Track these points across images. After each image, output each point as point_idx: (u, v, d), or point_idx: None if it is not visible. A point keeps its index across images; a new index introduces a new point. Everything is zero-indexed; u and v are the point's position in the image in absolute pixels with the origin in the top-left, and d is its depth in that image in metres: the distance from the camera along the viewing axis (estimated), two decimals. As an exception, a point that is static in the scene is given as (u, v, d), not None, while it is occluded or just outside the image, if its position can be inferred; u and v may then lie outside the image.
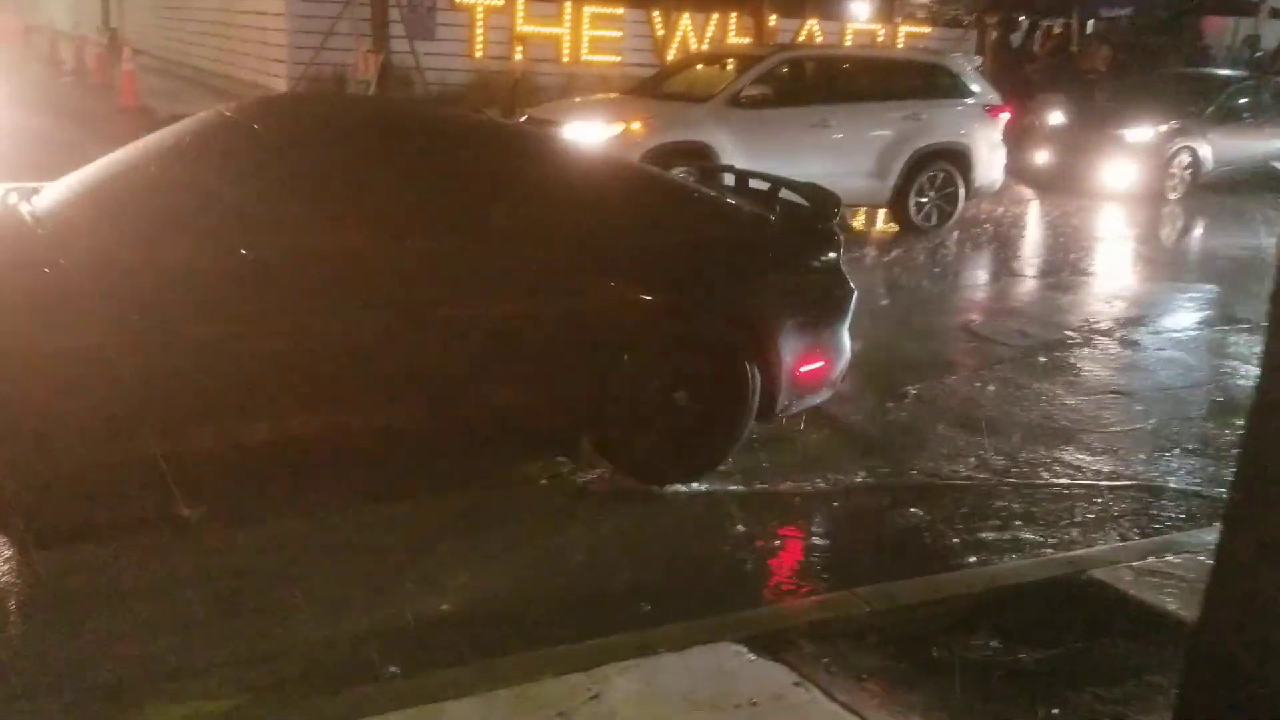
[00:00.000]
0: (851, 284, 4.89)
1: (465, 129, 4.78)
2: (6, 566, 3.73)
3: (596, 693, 2.95)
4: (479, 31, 17.48)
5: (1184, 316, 8.50)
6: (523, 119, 10.40)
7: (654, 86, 11.61)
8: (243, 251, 3.66)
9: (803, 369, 4.67)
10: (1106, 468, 5.19)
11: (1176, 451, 5.45)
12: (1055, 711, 3.06)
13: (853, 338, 4.99)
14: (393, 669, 3.21)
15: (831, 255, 4.86)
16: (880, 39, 20.82)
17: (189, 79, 18.96)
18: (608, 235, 4.36)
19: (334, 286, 3.83)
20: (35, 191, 4.37)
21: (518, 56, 17.59)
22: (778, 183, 5.03)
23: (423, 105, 11.44)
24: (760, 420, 4.65)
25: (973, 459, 5.18)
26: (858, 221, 11.80)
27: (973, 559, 4.19)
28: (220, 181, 3.92)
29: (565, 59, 18.10)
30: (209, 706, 3.04)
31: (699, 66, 12.69)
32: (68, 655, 3.21)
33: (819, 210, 4.91)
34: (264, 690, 3.11)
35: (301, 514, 4.18)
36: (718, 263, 4.55)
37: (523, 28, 17.76)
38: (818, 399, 4.91)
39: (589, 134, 9.53)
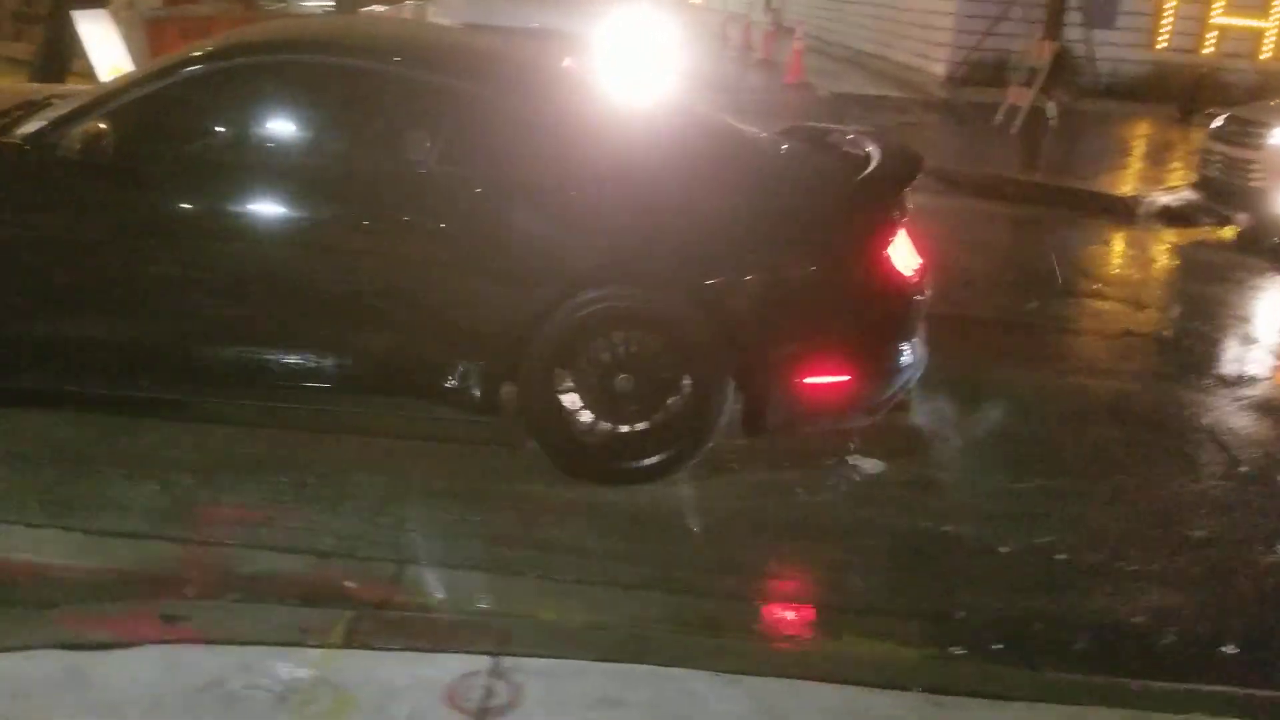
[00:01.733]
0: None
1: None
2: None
3: None
4: (1166, 20, 15.64)
5: None
6: (1216, 118, 8.89)
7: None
8: None
9: (808, 380, 3.74)
10: None
11: None
12: None
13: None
14: None
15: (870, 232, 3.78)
16: None
17: (846, 59, 19.34)
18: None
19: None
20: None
21: (1207, 50, 15.47)
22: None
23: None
24: (748, 433, 3.88)
25: None
26: None
27: None
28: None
29: (1264, 55, 15.58)
30: (904, 652, 3.19)
31: None
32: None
33: (888, 169, 3.93)
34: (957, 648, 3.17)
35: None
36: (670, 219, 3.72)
37: (1219, 18, 15.57)
38: (838, 422, 3.99)
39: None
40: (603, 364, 3.73)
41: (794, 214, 3.81)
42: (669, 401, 3.78)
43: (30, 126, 3.92)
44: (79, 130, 3.66)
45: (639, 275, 3.71)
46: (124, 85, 3.99)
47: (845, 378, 3.78)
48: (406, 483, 3.85)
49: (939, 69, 16.12)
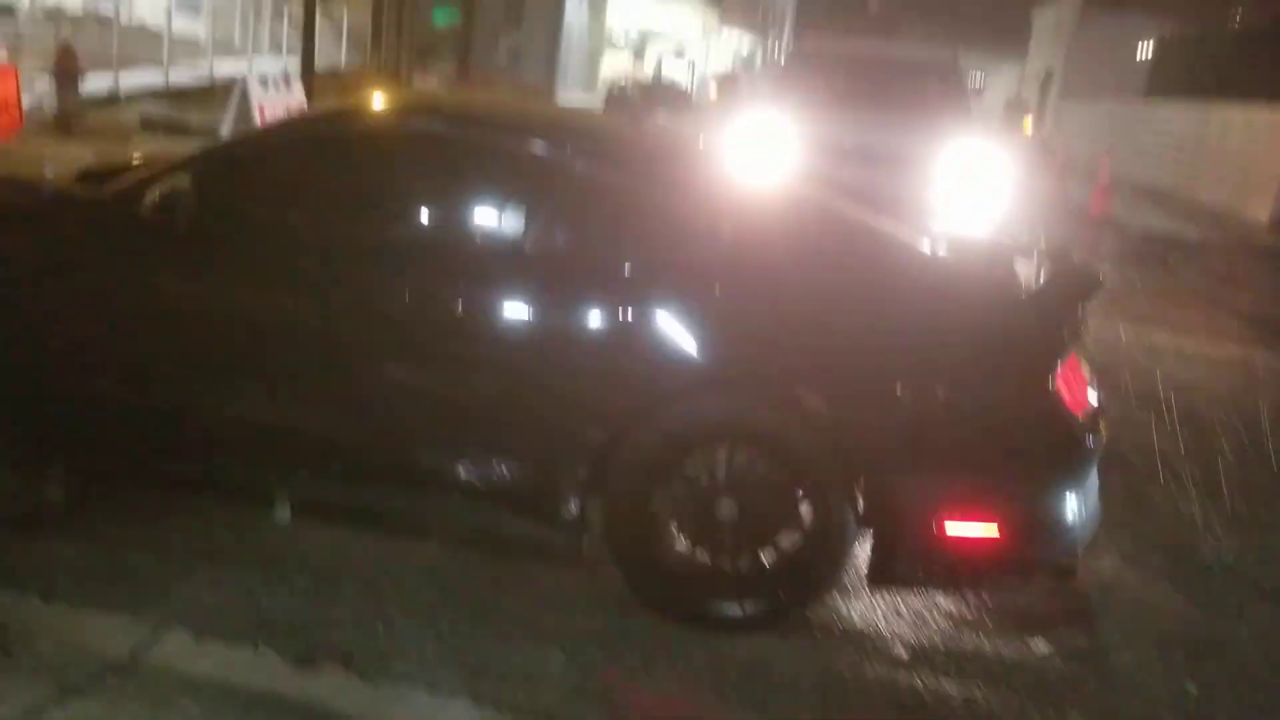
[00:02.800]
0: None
1: None
2: None
3: None
4: None
5: None
6: None
7: None
8: None
9: (949, 527, 3.16)
10: None
11: None
12: None
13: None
14: None
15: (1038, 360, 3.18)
16: None
17: (1138, 194, 17.96)
18: None
19: None
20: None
21: None
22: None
23: None
24: (874, 583, 3.33)
25: None
26: None
27: None
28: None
29: None
30: None
31: None
32: None
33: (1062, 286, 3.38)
34: None
35: None
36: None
37: None
38: (983, 581, 3.51)
39: None
40: (702, 483, 3.26)
41: (940, 327, 3.24)
42: (780, 536, 3.27)
43: (117, 184, 3.68)
44: (160, 189, 3.42)
45: (749, 384, 3.27)
46: (222, 145, 3.83)
47: (993, 527, 3.20)
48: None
49: (1261, 213, 14.61)
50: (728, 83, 10.14)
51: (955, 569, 3.28)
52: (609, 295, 3.23)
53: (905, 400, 3.14)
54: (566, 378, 3.23)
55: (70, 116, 12.48)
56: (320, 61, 19.45)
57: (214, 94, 15.40)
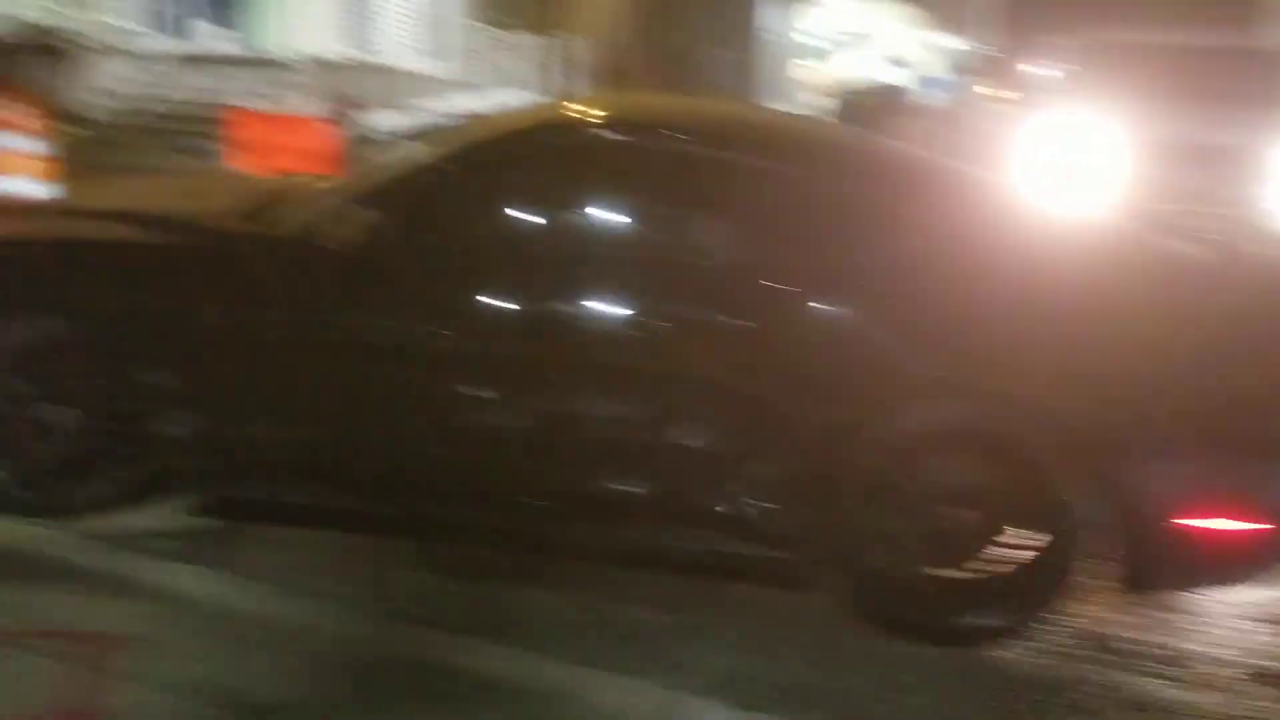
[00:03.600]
0: None
1: None
2: None
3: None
4: None
5: None
6: None
7: None
8: None
9: (1196, 522, 2.91)
10: None
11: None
12: None
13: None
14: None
15: None
16: None
17: None
18: None
19: None
20: None
21: None
22: None
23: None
24: (1132, 590, 3.07)
25: None
26: None
27: None
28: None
29: None
30: None
31: None
32: None
33: None
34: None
35: None
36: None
37: None
38: (1252, 575, 3.12)
39: None
40: (932, 492, 3.12)
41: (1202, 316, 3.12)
42: (1015, 545, 3.14)
43: (294, 217, 3.65)
44: (356, 217, 3.37)
45: (985, 387, 3.10)
46: (413, 167, 3.64)
47: (1267, 526, 2.98)
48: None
49: None
50: (1014, 81, 9.49)
51: (1224, 566, 3.08)
52: (838, 305, 3.15)
53: (1167, 394, 2.99)
54: (795, 393, 3.13)
55: (354, 159, 13.00)
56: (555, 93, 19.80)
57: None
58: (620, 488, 3.31)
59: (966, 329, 3.10)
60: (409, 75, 16.88)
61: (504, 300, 3.35)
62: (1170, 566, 3.06)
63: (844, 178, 3.41)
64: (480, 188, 3.46)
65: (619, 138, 3.51)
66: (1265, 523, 2.98)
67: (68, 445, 3.62)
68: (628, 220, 3.47)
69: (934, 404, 3.15)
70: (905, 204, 3.35)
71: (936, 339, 3.10)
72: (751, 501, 3.21)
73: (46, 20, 14.84)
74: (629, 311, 3.25)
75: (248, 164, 9.40)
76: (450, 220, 3.46)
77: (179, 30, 16.33)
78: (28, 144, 7.59)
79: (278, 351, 3.47)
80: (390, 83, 15.78)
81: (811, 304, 3.15)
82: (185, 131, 13.69)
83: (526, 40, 19.87)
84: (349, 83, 14.81)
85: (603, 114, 3.74)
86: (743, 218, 3.33)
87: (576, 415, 3.30)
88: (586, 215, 3.46)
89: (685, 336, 3.18)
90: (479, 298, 3.35)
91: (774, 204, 3.31)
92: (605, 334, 3.25)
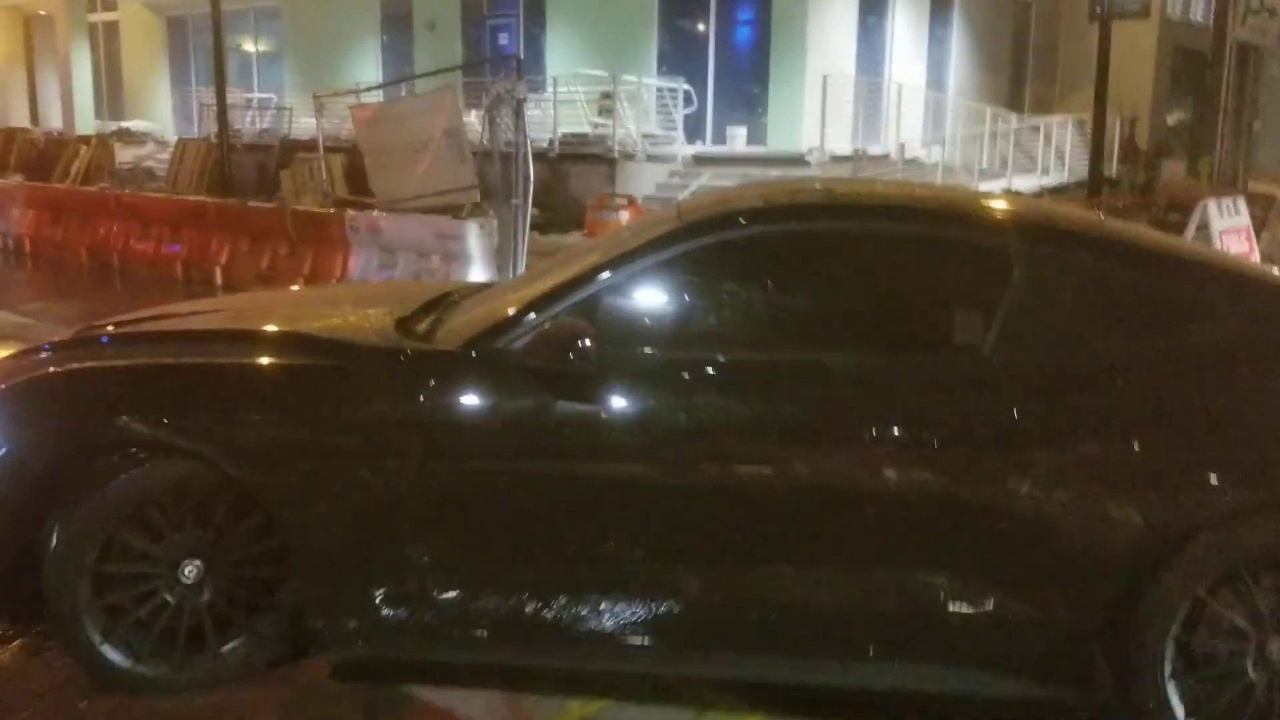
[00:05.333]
0: None
1: None
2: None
3: None
4: None
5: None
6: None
7: None
8: None
9: None
10: None
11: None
12: None
13: None
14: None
15: None
16: None
17: None
18: None
19: None
20: None
21: None
22: None
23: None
24: None
25: None
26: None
27: None
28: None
29: None
30: None
31: None
32: None
33: None
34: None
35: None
36: None
37: None
38: None
39: None
40: (1245, 623, 2.74)
41: None
42: None
43: (458, 329, 3.22)
44: (551, 330, 2.94)
45: None
46: (596, 266, 3.16)
47: None
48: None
49: None
50: None
51: None
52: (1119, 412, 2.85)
53: None
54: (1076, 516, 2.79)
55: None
56: (1058, 177, 18.66)
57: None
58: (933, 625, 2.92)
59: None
60: (917, 164, 16.57)
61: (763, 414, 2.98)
62: None
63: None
64: (717, 282, 3.17)
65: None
66: None
67: (196, 607, 3.17)
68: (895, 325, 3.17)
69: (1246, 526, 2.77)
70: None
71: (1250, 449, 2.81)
72: (1046, 639, 2.88)
73: (591, 133, 16.34)
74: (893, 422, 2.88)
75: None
76: (675, 326, 3.16)
77: (718, 138, 17.51)
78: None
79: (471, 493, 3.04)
80: (902, 173, 15.52)
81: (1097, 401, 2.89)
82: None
83: (1045, 121, 18.90)
84: (858, 173, 14.76)
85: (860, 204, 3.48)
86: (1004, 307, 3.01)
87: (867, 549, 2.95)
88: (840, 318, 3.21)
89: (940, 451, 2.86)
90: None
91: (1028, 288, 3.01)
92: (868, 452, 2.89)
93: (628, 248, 3.17)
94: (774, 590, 2.95)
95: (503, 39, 19.90)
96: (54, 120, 26.94)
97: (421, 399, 2.99)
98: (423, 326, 3.35)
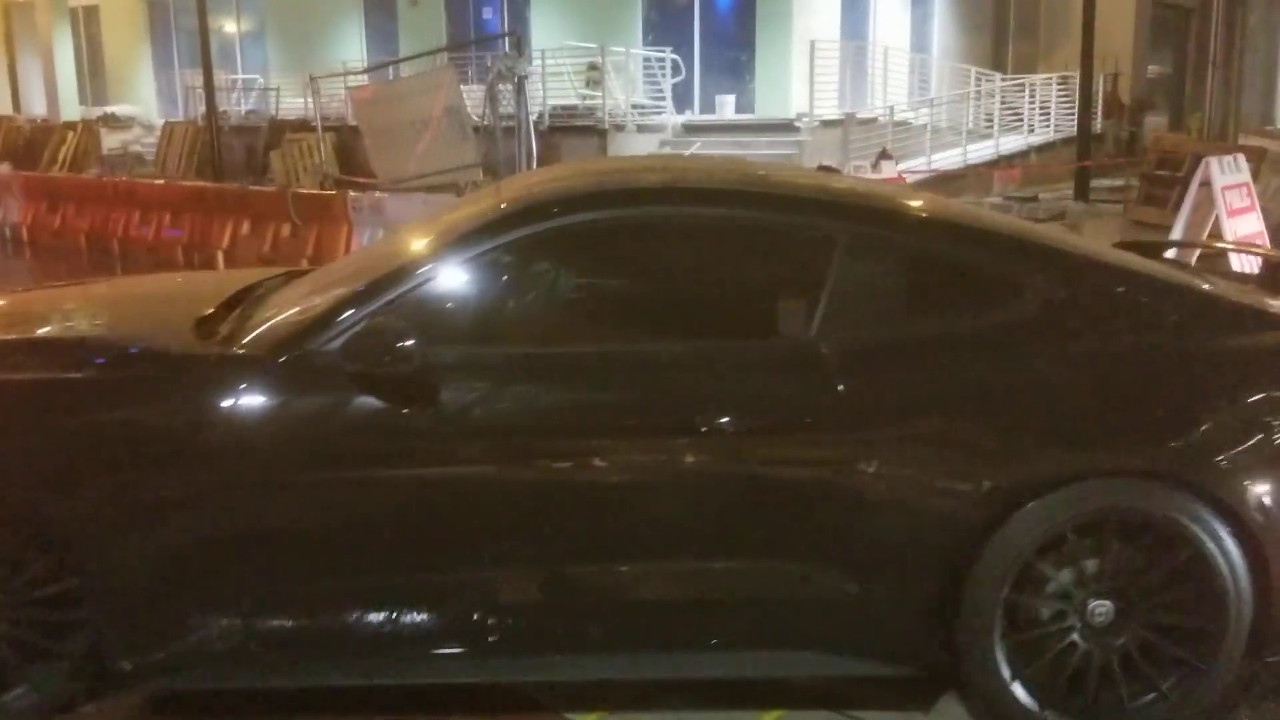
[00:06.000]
0: None
1: None
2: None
3: None
4: None
5: None
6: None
7: None
8: None
9: None
10: None
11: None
12: None
13: None
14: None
15: None
16: None
17: None
18: None
19: None
20: None
21: None
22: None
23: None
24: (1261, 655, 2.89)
25: None
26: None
27: None
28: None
29: None
30: None
31: None
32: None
33: None
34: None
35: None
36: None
37: None
38: None
39: None
40: (1070, 592, 2.85)
41: None
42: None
43: (265, 331, 2.93)
44: (367, 330, 2.74)
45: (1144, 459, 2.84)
46: (416, 258, 2.99)
47: None
48: None
49: None
50: None
51: None
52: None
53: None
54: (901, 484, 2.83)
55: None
56: (1044, 135, 18.77)
57: (966, 179, 15.60)
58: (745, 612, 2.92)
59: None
60: (905, 126, 16.66)
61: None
62: None
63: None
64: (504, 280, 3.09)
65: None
66: None
67: None
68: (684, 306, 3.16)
69: (1089, 485, 2.87)
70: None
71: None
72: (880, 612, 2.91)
73: (580, 105, 16.38)
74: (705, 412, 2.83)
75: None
76: (501, 320, 3.08)
77: (706, 106, 17.60)
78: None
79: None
80: (891, 136, 15.61)
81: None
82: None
83: (1030, 80, 18.97)
84: (848, 137, 14.86)
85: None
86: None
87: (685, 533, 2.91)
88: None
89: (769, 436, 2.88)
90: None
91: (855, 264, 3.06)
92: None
93: (449, 237, 3.01)
94: (610, 586, 2.88)
95: (487, 13, 19.83)
96: (37, 107, 26.73)
97: (223, 410, 2.74)
98: (225, 327, 3.06)
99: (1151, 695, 2.81)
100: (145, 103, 24.60)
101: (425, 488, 2.82)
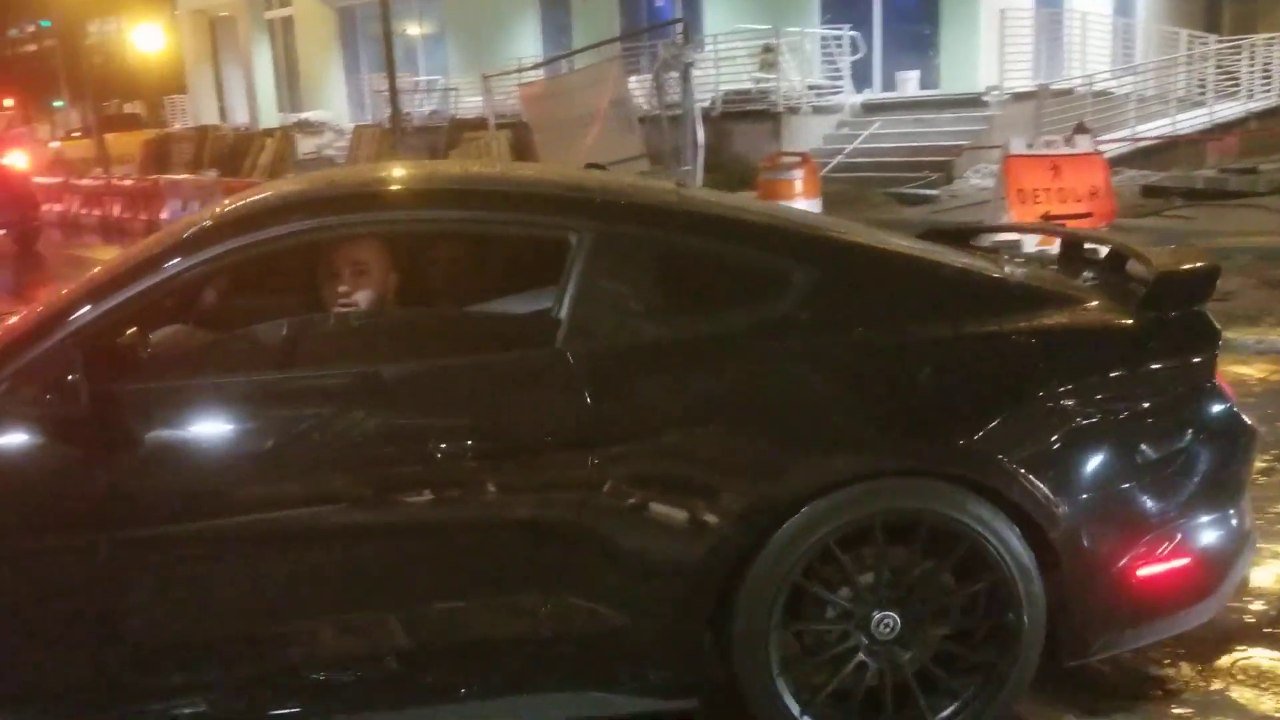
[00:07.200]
0: (1245, 417, 2.79)
1: None
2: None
3: None
4: None
5: None
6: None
7: None
8: None
9: (1143, 570, 2.66)
10: None
11: None
12: None
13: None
14: None
15: (1199, 362, 2.72)
16: None
17: None
18: None
19: None
20: None
21: None
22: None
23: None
24: (1066, 660, 2.73)
25: None
26: None
27: None
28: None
29: None
30: None
31: None
32: None
33: (1175, 283, 2.73)
34: None
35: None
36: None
37: None
38: (1179, 624, 2.84)
39: None
40: (849, 608, 2.61)
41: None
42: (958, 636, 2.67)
43: None
44: (26, 368, 2.44)
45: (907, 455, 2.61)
46: (94, 286, 2.63)
47: (1184, 561, 2.70)
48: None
49: None
50: None
51: (1144, 619, 2.74)
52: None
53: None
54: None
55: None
56: (1264, 100, 17.15)
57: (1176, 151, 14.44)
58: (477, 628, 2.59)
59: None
60: (1106, 97, 15.53)
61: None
62: (1111, 623, 2.70)
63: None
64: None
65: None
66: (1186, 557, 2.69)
67: None
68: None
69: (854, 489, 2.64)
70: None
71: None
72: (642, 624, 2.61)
73: (754, 89, 16.01)
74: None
75: (1021, 212, 8.76)
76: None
77: (887, 84, 16.95)
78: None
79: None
80: (1090, 108, 14.55)
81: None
82: (904, 179, 13.75)
83: (1250, 40, 17.41)
84: (1041, 111, 13.92)
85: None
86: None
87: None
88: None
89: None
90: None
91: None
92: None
93: (134, 261, 2.67)
94: (343, 641, 2.56)
95: (659, 0, 19.71)
96: (240, 116, 28.38)
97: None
98: None
99: (954, 705, 2.61)
100: (336, 108, 25.70)
101: (103, 542, 2.44)
